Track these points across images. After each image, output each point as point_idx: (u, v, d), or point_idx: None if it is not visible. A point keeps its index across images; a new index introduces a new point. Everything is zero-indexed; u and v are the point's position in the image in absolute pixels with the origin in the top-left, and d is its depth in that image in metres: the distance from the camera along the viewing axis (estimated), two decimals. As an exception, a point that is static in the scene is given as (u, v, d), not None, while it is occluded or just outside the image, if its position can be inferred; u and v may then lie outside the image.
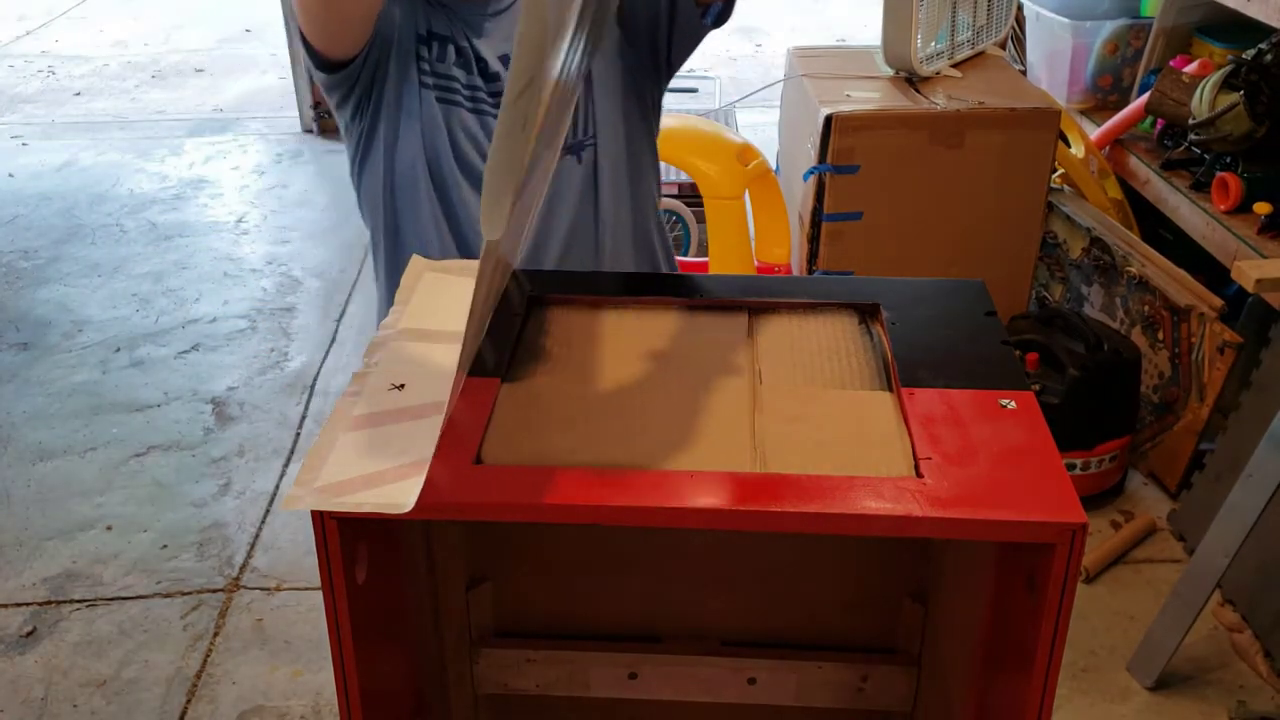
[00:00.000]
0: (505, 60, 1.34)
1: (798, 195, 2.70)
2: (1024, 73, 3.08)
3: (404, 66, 1.34)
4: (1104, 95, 2.92)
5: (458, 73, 1.35)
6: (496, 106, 1.33)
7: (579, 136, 1.38)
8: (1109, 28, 2.84)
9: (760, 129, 3.92)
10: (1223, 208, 2.29)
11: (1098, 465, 2.39)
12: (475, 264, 1.06)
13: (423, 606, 1.08)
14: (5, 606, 2.25)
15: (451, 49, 1.35)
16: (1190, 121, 2.36)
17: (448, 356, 0.90)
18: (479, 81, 1.35)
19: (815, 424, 0.87)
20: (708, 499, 0.78)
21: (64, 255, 3.70)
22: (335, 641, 0.81)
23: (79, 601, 2.27)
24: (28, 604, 2.26)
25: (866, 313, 1.03)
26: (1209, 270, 2.38)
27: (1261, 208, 2.22)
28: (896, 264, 2.58)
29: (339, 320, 3.32)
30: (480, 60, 1.36)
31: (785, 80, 2.93)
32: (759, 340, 1.00)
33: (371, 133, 1.38)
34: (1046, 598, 0.77)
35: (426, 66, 1.34)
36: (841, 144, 2.48)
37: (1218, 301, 2.36)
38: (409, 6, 1.35)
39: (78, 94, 5.33)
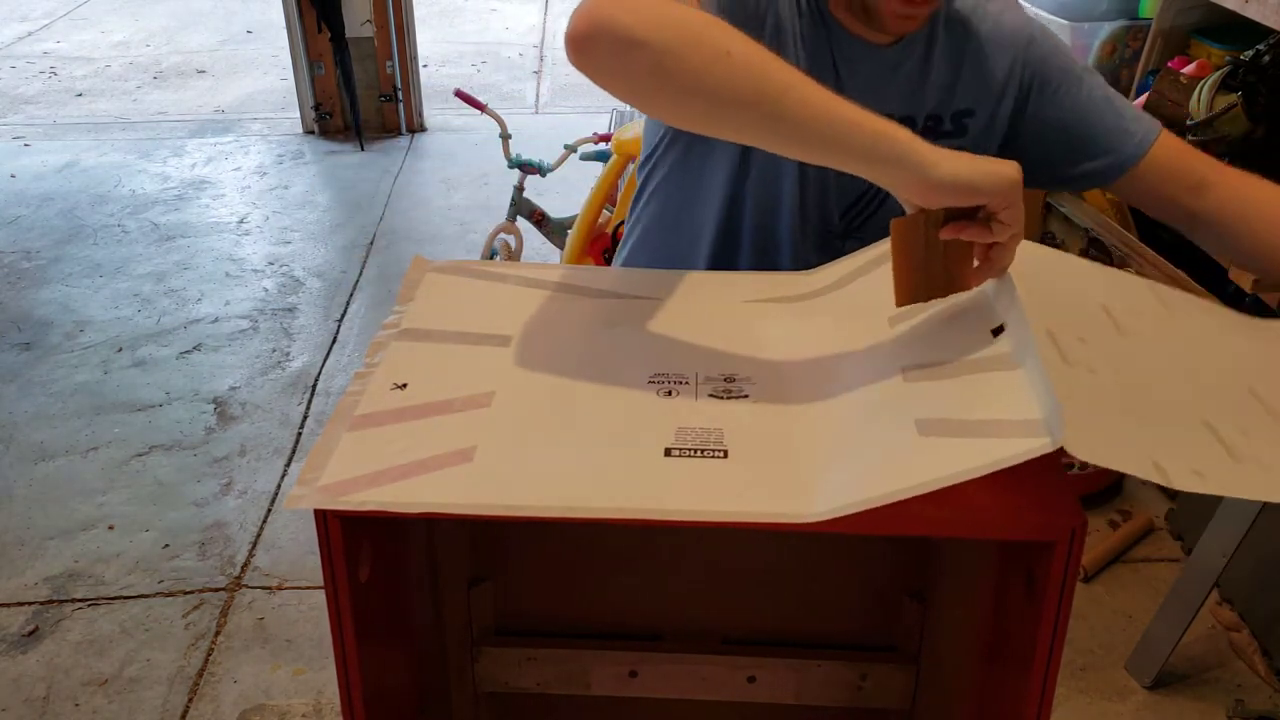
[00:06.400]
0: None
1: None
2: (1023, 74, 3.09)
3: None
4: (1103, 96, 2.93)
5: None
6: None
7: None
8: (1107, 29, 2.84)
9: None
10: (1221, 208, 2.30)
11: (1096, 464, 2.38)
12: (476, 264, 1.07)
13: (424, 605, 1.08)
14: (7, 606, 2.26)
15: None
16: (1188, 122, 2.36)
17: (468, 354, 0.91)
18: None
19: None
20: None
21: (66, 256, 3.70)
22: (338, 640, 0.81)
23: (81, 601, 2.27)
24: (30, 603, 2.27)
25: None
26: (1206, 270, 2.38)
27: (1260, 208, 2.23)
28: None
29: (340, 320, 3.33)
30: None
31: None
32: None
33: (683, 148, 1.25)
34: (1046, 596, 0.77)
35: None
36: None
37: (1216, 302, 2.36)
38: None
39: (79, 95, 5.34)
